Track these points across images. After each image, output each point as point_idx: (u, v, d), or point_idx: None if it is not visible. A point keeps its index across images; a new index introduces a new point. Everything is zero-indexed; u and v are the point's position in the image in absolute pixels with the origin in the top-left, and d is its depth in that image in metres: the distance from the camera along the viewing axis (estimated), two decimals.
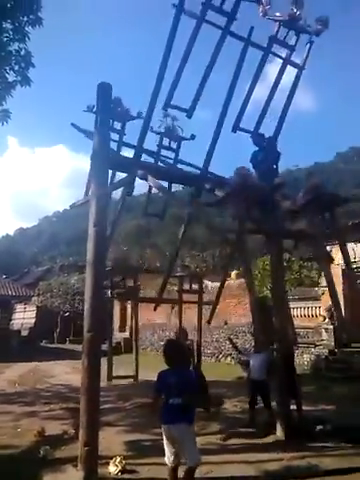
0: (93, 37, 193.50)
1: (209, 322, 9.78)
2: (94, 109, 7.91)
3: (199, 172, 8.86)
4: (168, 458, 5.14)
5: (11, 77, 10.48)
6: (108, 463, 6.35)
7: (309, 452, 6.99)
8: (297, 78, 9.13)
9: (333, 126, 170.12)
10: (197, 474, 6.11)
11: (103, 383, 6.94)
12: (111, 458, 6.46)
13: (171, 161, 9.51)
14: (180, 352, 5.45)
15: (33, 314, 31.60)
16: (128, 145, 9.13)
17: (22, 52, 10.70)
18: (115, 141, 9.18)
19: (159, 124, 9.03)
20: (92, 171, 7.67)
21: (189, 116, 8.05)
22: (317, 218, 8.16)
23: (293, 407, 8.48)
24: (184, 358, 5.52)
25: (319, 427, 8.08)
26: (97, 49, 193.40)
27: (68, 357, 23.17)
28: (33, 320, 31.02)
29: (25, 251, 75.60)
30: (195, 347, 9.95)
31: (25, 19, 10.37)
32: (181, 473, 5.21)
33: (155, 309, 11.37)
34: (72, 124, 9.13)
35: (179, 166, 9.34)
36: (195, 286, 12.49)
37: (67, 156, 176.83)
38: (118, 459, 6.47)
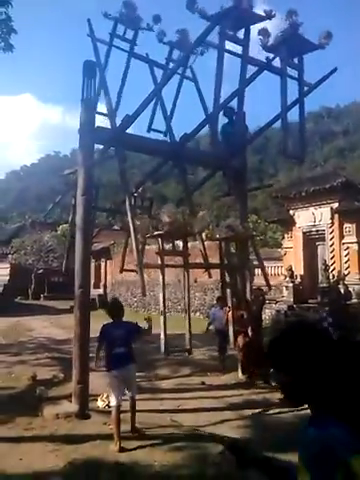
0: None
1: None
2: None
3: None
4: (116, 398, 5.92)
5: None
6: (96, 399, 7.53)
7: (264, 390, 8.37)
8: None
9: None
10: (169, 406, 7.45)
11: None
12: (98, 396, 7.62)
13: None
14: (121, 308, 6.39)
15: (7, 271, 32.05)
16: (139, 57, 10.10)
17: (2, 16, 10.99)
18: (126, 51, 9.98)
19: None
20: (79, 144, 8.36)
21: None
22: (286, 63, 8.73)
23: None
24: (122, 312, 6.30)
25: (272, 370, 9.46)
26: None
27: (44, 313, 24.16)
28: (7, 277, 31.51)
29: None
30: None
31: None
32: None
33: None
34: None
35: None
36: None
37: (34, 106, 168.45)
38: (105, 396, 7.63)
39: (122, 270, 10.06)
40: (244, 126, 10.25)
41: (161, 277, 8.09)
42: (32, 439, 5.98)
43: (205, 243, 9.06)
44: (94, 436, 5.97)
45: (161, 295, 8.28)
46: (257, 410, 7.31)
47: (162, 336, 7.88)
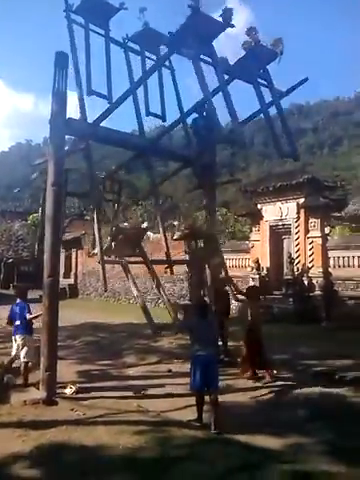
0: None
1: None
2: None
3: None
4: (23, 357, 8.06)
5: None
6: (64, 387, 7.69)
7: (229, 376, 8.69)
8: None
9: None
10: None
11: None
12: (66, 383, 7.80)
13: None
14: (25, 291, 9.03)
15: None
16: (116, 41, 9.77)
17: None
18: (102, 36, 9.62)
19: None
20: (50, 135, 8.41)
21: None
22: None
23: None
24: (25, 294, 8.87)
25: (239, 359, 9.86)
26: None
27: (13, 302, 23.81)
28: None
29: None
30: None
31: None
32: None
33: None
34: None
35: None
36: None
37: (5, 92, 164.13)
38: (72, 383, 7.85)
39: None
40: (215, 121, 10.51)
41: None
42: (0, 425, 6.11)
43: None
44: (61, 422, 6.12)
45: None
46: None
47: None
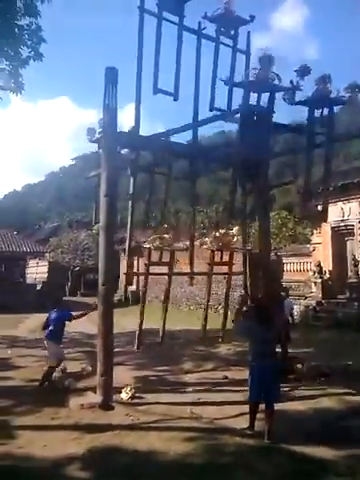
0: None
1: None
2: None
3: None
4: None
5: (25, 53, 11.29)
6: (120, 392, 7.86)
7: (287, 384, 8.46)
8: None
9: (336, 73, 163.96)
10: (190, 399, 7.73)
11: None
12: (123, 388, 7.97)
13: None
14: (59, 301, 10.36)
15: (45, 269, 33.16)
16: (189, 29, 9.12)
17: (33, 27, 11.48)
18: (176, 24, 8.94)
19: None
20: (102, 147, 8.68)
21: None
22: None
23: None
24: (61, 304, 10.02)
25: (299, 366, 9.59)
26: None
27: (80, 308, 24.59)
28: (46, 274, 32.62)
29: (33, 207, 76.40)
30: None
31: None
32: None
33: None
34: None
35: None
36: None
37: (72, 109, 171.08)
38: (128, 388, 8.00)
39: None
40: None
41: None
42: (57, 428, 6.36)
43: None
44: (115, 426, 6.26)
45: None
46: None
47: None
